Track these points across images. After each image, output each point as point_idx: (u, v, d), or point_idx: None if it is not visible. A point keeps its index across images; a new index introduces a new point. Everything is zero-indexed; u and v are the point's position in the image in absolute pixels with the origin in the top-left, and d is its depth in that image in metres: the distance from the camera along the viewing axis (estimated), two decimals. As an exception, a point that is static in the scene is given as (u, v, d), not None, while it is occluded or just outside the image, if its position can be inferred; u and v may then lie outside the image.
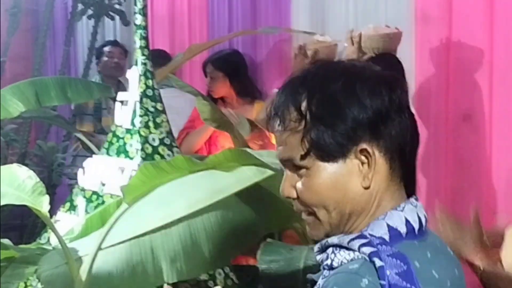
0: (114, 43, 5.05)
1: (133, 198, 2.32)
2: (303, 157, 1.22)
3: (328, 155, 1.21)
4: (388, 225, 1.21)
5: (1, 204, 2.27)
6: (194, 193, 2.50)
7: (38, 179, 2.35)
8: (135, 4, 3.08)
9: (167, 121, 3.12)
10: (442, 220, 2.33)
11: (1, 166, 2.44)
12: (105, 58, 4.70)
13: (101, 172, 3.06)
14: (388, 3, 3.70)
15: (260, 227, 2.60)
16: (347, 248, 1.20)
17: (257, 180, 2.50)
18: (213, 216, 2.49)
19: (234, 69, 4.21)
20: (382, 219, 1.22)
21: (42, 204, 2.28)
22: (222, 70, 4.17)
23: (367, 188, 1.22)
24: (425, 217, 1.27)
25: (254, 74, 4.35)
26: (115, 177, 2.98)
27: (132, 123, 3.04)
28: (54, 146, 4.25)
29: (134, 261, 2.35)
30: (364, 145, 1.21)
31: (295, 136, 1.23)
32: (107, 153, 3.11)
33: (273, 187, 2.54)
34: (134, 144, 3.01)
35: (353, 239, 1.19)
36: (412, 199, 1.27)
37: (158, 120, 3.06)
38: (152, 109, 3.06)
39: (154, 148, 3.02)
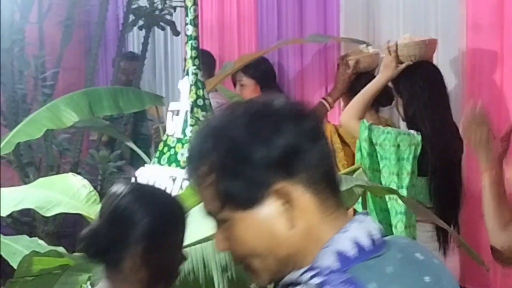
0: (130, 57, 5.09)
1: (186, 207, 2.33)
2: (220, 210, 1.18)
3: (242, 204, 1.15)
4: (335, 252, 1.13)
5: (56, 212, 2.32)
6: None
7: (92, 188, 2.40)
8: (187, 15, 3.11)
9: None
10: (470, 120, 2.36)
11: (56, 176, 2.50)
12: (119, 74, 4.85)
13: (152, 181, 3.10)
14: (438, 10, 3.67)
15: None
16: (299, 283, 1.13)
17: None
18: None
19: (265, 77, 4.25)
20: (327, 247, 1.14)
21: (96, 213, 2.32)
22: (254, 78, 4.21)
23: (295, 228, 1.15)
24: (379, 229, 1.19)
25: (298, 83, 4.35)
26: (166, 186, 3.01)
27: (183, 133, 3.07)
28: (106, 155, 4.31)
29: (186, 270, 2.36)
30: (278, 186, 1.14)
31: (208, 190, 1.18)
32: (159, 162, 3.15)
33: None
34: (185, 154, 3.04)
35: (302, 273, 1.13)
36: (359, 215, 1.19)
37: (208, 129, 3.09)
38: (203, 119, 3.09)
39: (205, 158, 3.04)
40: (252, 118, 1.17)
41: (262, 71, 4.23)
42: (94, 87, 3.79)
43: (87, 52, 5.09)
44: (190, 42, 3.13)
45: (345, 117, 3.33)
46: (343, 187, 2.21)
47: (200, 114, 3.09)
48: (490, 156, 2.32)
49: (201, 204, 2.19)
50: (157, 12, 4.59)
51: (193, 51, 3.13)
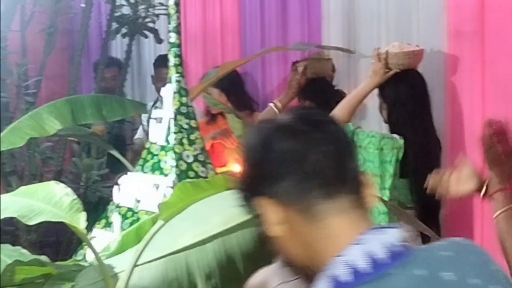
0: (109, 63, 5.03)
1: (169, 215, 2.33)
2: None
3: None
4: (345, 263, 1.13)
5: (39, 221, 2.30)
6: (229, 210, 2.50)
7: (75, 196, 2.38)
8: (169, 23, 3.12)
9: (201, 138, 3.15)
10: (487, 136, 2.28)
11: (39, 184, 2.48)
12: (100, 81, 4.84)
13: (136, 189, 3.09)
14: (420, 17, 3.69)
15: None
16: None
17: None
18: (247, 232, 2.49)
19: (228, 85, 4.31)
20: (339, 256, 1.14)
21: (79, 221, 2.31)
22: (218, 87, 4.26)
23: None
24: (402, 240, 1.18)
25: (282, 90, 4.37)
26: (150, 194, 3.01)
27: (167, 140, 3.07)
28: (90, 163, 4.29)
29: (170, 278, 2.36)
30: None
31: None
32: (142, 170, 3.15)
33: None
34: (168, 161, 3.04)
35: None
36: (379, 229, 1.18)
37: (192, 137, 3.09)
38: (186, 126, 3.09)
39: (188, 165, 3.04)
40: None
41: (224, 80, 4.24)
42: (77, 95, 3.78)
43: (70, 60, 5.07)
44: (173, 49, 3.13)
45: None
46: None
47: (183, 121, 3.10)
48: (504, 175, 2.27)
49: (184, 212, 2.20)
50: (140, 20, 4.59)
51: (176, 59, 3.13)
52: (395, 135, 3.31)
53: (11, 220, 3.99)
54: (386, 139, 3.28)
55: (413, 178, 3.27)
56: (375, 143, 3.28)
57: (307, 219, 1.18)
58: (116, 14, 4.57)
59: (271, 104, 3.89)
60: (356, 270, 1.12)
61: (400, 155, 3.27)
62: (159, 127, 3.11)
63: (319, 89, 3.85)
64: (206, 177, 3.05)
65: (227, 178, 2.38)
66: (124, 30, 4.64)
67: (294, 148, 1.19)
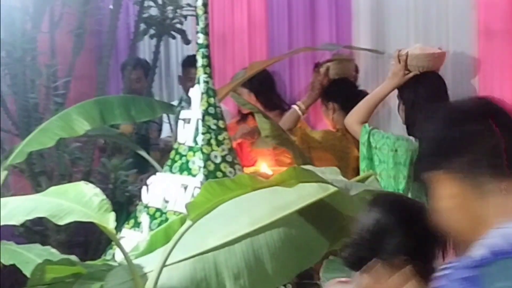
0: (135, 64, 5.02)
1: (197, 215, 2.34)
2: None
3: None
4: (502, 235, 1.27)
5: (69, 221, 2.32)
6: (257, 210, 2.51)
7: (104, 196, 2.40)
8: (197, 24, 3.12)
9: (229, 138, 3.15)
10: None
11: (69, 184, 2.50)
12: (127, 82, 4.88)
13: (164, 190, 3.11)
14: (450, 17, 3.67)
15: (322, 244, 2.58)
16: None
17: (319, 197, 2.51)
18: (275, 233, 2.49)
19: (258, 85, 4.31)
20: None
21: (108, 221, 2.33)
22: (247, 87, 4.27)
23: None
24: None
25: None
26: (178, 194, 3.02)
27: (195, 141, 3.08)
28: (118, 163, 4.31)
29: (198, 278, 2.37)
30: None
31: None
32: (170, 171, 3.16)
33: (336, 204, 2.55)
34: (196, 162, 3.05)
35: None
36: None
37: (220, 137, 3.10)
38: (214, 127, 3.09)
39: (216, 165, 3.05)
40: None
41: (254, 80, 4.24)
42: (106, 96, 3.80)
43: (98, 61, 5.10)
44: (201, 50, 3.14)
45: (349, 120, 3.48)
46: (353, 193, 2.21)
47: (211, 122, 3.10)
48: None
49: (212, 212, 2.21)
50: (168, 21, 4.59)
51: (204, 60, 3.14)
52: (411, 137, 3.32)
53: (40, 220, 4.03)
54: (400, 141, 3.30)
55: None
56: (390, 145, 3.31)
57: (476, 195, 1.34)
58: (144, 15, 4.58)
59: (294, 106, 3.90)
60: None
61: (414, 157, 3.21)
62: (187, 127, 3.12)
63: (342, 90, 3.85)
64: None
65: (254, 178, 2.38)
66: (152, 31, 4.64)
67: (479, 130, 1.35)
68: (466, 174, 1.34)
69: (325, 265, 2.73)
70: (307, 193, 2.51)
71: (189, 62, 5.11)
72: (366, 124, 3.40)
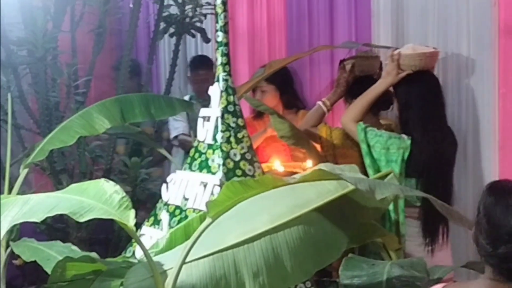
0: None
1: (217, 213, 2.34)
2: None
3: None
4: None
5: (89, 218, 2.33)
6: (276, 208, 2.51)
7: (124, 194, 2.41)
8: (217, 22, 3.13)
9: (248, 136, 3.16)
10: None
11: (89, 181, 2.52)
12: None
13: (184, 187, 3.12)
14: (470, 14, 3.65)
15: (341, 242, 2.58)
16: None
17: (338, 194, 2.51)
18: (294, 230, 2.49)
19: (285, 82, 4.35)
20: None
21: (129, 219, 2.33)
22: (275, 83, 4.29)
23: None
24: None
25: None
26: (197, 192, 3.03)
27: (214, 139, 3.09)
28: (138, 161, 4.33)
29: (218, 275, 2.37)
30: None
31: None
32: (190, 168, 3.17)
33: (355, 201, 2.55)
34: (216, 159, 3.06)
35: None
36: None
37: (239, 135, 3.11)
38: (233, 125, 3.10)
39: (236, 163, 3.06)
40: None
41: (282, 77, 4.27)
42: (126, 94, 3.82)
43: (119, 59, 5.13)
44: (220, 48, 3.15)
45: (345, 119, 3.56)
46: (378, 193, 2.20)
47: (230, 120, 3.11)
48: None
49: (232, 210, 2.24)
50: (187, 20, 4.61)
51: (224, 58, 3.15)
52: (403, 135, 3.39)
53: (61, 218, 4.06)
54: (393, 139, 3.38)
55: (420, 178, 3.38)
56: (382, 143, 3.39)
57: None
58: (164, 14, 4.60)
59: (319, 103, 3.89)
60: None
61: (406, 155, 3.36)
62: (206, 125, 3.13)
63: (366, 88, 3.82)
64: (253, 176, 3.06)
65: (276, 178, 2.39)
66: (171, 30, 4.66)
67: None
68: None
69: (344, 263, 2.73)
70: (326, 191, 2.51)
71: (197, 63, 5.14)
72: (361, 122, 3.48)
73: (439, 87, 3.50)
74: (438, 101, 3.48)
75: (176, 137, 5.17)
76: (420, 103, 3.44)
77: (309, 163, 3.78)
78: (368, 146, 3.43)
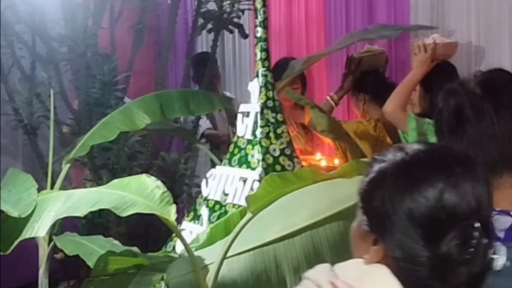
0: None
1: (257, 208, 2.35)
2: None
3: None
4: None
5: (131, 213, 2.35)
6: (316, 203, 2.51)
7: (165, 189, 2.43)
8: (256, 17, 3.13)
9: (287, 131, 3.15)
10: None
11: (131, 177, 2.54)
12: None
13: (223, 183, 3.13)
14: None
15: (382, 237, 2.57)
16: None
17: (379, 190, 2.49)
18: (335, 226, 2.49)
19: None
20: None
21: (170, 213, 2.35)
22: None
23: None
24: None
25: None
26: (237, 187, 3.04)
27: (254, 134, 3.09)
28: (177, 157, 4.35)
29: (258, 270, 2.38)
30: None
31: None
32: (229, 164, 3.18)
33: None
34: (255, 155, 3.06)
35: None
36: None
37: (278, 130, 3.10)
38: (272, 120, 3.10)
39: (275, 159, 3.05)
40: None
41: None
42: (166, 90, 3.84)
43: (157, 55, 5.15)
44: (260, 44, 3.14)
45: (390, 108, 3.60)
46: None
47: (270, 115, 3.11)
48: None
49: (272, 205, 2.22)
50: (225, 16, 4.61)
51: (263, 53, 3.14)
52: None
53: (101, 212, 4.10)
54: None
55: None
56: (432, 130, 3.38)
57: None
58: (202, 10, 4.61)
59: (327, 97, 4.01)
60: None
61: None
62: (246, 121, 3.14)
63: (373, 82, 3.98)
64: (293, 171, 3.06)
65: (315, 171, 2.39)
66: (209, 26, 4.67)
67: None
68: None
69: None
70: (367, 186, 2.50)
71: (200, 61, 5.07)
72: (409, 112, 3.57)
73: (458, 76, 3.56)
74: None
75: (202, 133, 5.17)
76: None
77: (318, 155, 3.90)
78: (419, 134, 3.48)
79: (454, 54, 3.64)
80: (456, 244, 1.18)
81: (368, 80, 3.99)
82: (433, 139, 3.40)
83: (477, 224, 1.20)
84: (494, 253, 1.23)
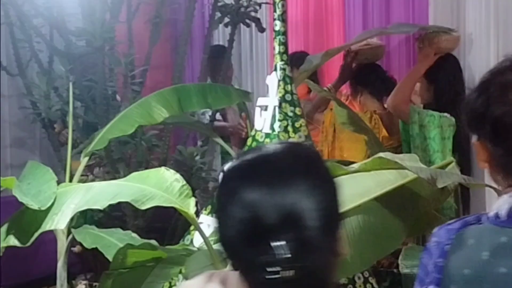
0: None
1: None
2: None
3: None
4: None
5: (151, 205, 2.36)
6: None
7: (184, 182, 2.43)
8: (275, 11, 3.12)
9: (306, 125, 3.15)
10: None
11: (150, 170, 2.55)
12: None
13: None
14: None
15: (401, 232, 2.57)
16: None
17: (398, 183, 2.49)
18: (354, 219, 2.48)
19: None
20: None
21: (189, 206, 2.36)
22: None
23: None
24: None
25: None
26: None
27: (272, 128, 3.09)
28: (194, 151, 4.35)
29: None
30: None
31: None
32: (247, 157, 3.17)
33: (415, 191, 2.52)
34: (273, 148, 3.05)
35: None
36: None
37: (296, 124, 3.10)
38: (291, 114, 3.10)
39: (293, 152, 3.04)
40: None
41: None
42: (184, 84, 3.84)
43: (174, 49, 5.15)
44: (278, 37, 3.13)
45: (395, 101, 3.68)
46: (440, 183, 2.17)
47: (288, 109, 3.10)
48: None
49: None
50: (242, 9, 4.61)
51: (281, 47, 3.13)
52: (446, 114, 3.57)
53: (118, 206, 4.11)
54: (443, 118, 3.56)
55: (461, 152, 3.56)
56: (435, 122, 3.55)
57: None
58: (219, 4, 4.61)
59: (324, 88, 4.06)
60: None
61: (454, 132, 3.55)
62: (264, 114, 3.13)
63: (370, 75, 4.04)
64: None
65: (337, 166, 2.39)
66: (226, 20, 4.67)
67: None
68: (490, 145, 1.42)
69: (404, 252, 2.72)
70: (386, 180, 2.50)
71: (214, 53, 5.04)
72: (412, 104, 3.66)
73: (461, 69, 3.72)
74: (462, 80, 3.69)
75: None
76: (456, 83, 3.65)
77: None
78: (420, 126, 3.56)
79: (456, 48, 3.73)
80: None
81: (365, 73, 4.07)
82: (434, 131, 3.55)
83: None
84: None
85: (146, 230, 4.29)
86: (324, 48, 4.65)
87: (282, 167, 1.15)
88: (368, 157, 3.81)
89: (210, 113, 4.66)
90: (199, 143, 4.89)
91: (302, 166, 1.17)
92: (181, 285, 1.36)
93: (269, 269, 1.08)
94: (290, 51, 3.39)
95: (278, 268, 1.07)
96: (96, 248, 2.96)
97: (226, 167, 1.19)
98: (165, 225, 4.49)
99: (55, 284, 3.31)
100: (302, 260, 1.09)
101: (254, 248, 1.09)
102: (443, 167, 2.65)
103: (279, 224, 1.09)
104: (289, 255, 1.08)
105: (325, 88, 4.05)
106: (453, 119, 3.55)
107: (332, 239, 1.17)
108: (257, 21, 4.66)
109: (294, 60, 3.91)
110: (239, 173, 1.17)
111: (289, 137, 3.06)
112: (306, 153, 1.23)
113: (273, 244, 1.07)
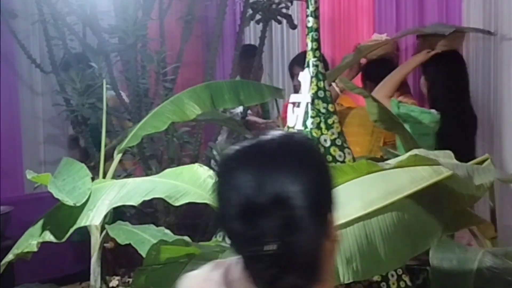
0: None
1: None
2: None
3: None
4: None
5: (185, 202, 2.37)
6: (369, 194, 2.49)
7: (218, 179, 2.43)
8: (307, 7, 3.10)
9: (338, 122, 3.13)
10: None
11: (183, 166, 2.55)
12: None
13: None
14: None
15: (436, 229, 2.54)
16: None
17: (433, 180, 2.47)
18: (388, 217, 2.46)
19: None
20: None
21: (223, 203, 2.35)
22: None
23: None
24: None
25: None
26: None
27: (304, 124, 3.07)
28: (225, 147, 4.36)
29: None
30: None
31: None
32: (280, 154, 3.16)
33: (450, 188, 2.50)
34: (306, 145, 3.04)
35: None
36: None
37: (329, 121, 3.08)
38: (323, 110, 3.08)
39: (326, 149, 3.04)
40: None
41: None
42: (216, 81, 3.85)
43: (206, 46, 5.16)
44: (310, 34, 3.12)
45: (377, 95, 3.70)
46: (477, 180, 2.14)
47: (321, 105, 3.09)
48: None
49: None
50: (274, 6, 4.60)
51: (314, 43, 3.12)
52: (432, 110, 3.62)
53: (150, 202, 4.14)
54: (425, 114, 3.61)
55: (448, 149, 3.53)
56: (415, 117, 3.61)
57: None
58: (251, 1, 4.61)
59: (333, 84, 4.08)
60: None
61: (436, 129, 3.59)
62: (296, 111, 3.12)
63: (381, 70, 4.03)
64: (343, 161, 3.03)
65: (371, 164, 2.37)
66: (258, 16, 4.66)
67: None
68: None
69: (437, 244, 2.68)
70: (420, 177, 2.48)
71: (247, 52, 5.04)
72: (393, 98, 3.73)
73: (465, 65, 3.74)
74: (465, 78, 3.73)
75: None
76: (449, 80, 3.70)
77: None
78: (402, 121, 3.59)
79: (460, 45, 3.79)
80: None
81: (373, 68, 4.11)
82: (428, 127, 3.60)
83: None
84: None
85: (177, 226, 4.31)
86: (352, 46, 4.64)
87: (275, 153, 1.25)
88: (371, 152, 3.91)
89: (241, 109, 4.66)
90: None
91: (293, 152, 1.27)
92: (188, 275, 1.46)
93: (254, 243, 1.18)
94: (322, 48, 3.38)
95: (262, 242, 1.17)
96: (129, 244, 2.98)
97: (225, 152, 1.31)
98: (196, 221, 4.51)
99: (88, 279, 3.34)
100: (286, 237, 1.18)
101: (245, 225, 1.19)
102: (479, 163, 2.62)
103: (268, 203, 1.18)
104: (274, 231, 1.17)
105: (358, 87, 4.02)
106: (438, 116, 3.59)
107: (321, 221, 1.25)
108: (289, 17, 4.65)
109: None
110: (235, 158, 1.27)
111: (322, 134, 3.04)
112: (300, 141, 1.31)
113: (261, 220, 1.17)
